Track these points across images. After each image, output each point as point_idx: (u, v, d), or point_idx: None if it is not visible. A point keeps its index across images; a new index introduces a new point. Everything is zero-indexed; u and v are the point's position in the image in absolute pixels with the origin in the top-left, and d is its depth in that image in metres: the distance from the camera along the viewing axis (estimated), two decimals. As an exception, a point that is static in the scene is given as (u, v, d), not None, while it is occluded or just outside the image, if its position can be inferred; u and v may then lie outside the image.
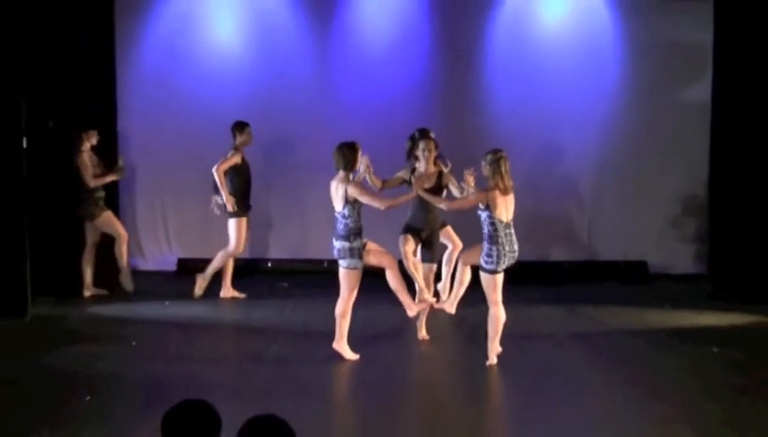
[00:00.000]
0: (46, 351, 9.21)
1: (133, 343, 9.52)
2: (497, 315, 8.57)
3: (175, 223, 13.17)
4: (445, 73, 12.82)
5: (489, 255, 8.42)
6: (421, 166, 9.55)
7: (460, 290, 9.28)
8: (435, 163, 9.58)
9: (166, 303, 11.34)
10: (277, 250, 13.14)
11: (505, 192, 8.42)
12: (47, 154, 11.45)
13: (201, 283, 11.45)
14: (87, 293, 11.56)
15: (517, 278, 12.53)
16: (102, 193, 11.57)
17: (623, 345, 9.61)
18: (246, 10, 12.90)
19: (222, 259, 11.41)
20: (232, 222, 11.24)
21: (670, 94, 12.83)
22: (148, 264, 13.07)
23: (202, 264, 11.78)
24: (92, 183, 11.37)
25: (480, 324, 8.99)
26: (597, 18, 12.85)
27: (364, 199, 8.56)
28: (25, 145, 10.41)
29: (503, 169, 8.38)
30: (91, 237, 11.58)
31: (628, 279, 12.80)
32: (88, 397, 7.69)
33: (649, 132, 12.85)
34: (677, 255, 13.05)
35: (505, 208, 8.50)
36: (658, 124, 12.84)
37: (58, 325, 10.18)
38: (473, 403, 7.91)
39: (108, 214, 11.59)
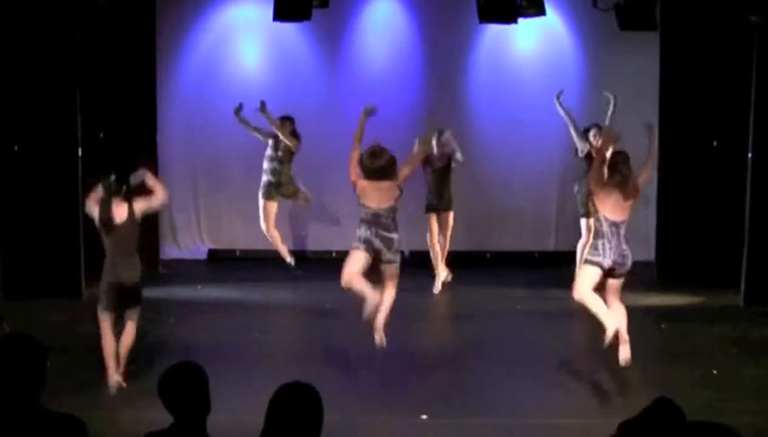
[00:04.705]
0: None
1: (171, 321, 9.66)
2: None
3: (205, 218, 13.30)
4: (434, 95, 12.96)
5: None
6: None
7: None
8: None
9: (198, 286, 11.47)
10: (293, 241, 13.28)
11: None
12: (99, 160, 11.59)
13: None
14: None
15: (493, 265, 12.73)
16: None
17: (581, 321, 9.75)
18: (268, 40, 13.04)
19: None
20: None
21: (623, 109, 12.93)
22: (182, 253, 13.20)
23: (228, 253, 11.88)
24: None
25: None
26: (562, 46, 13.00)
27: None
28: (80, 153, 10.57)
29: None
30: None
31: (589, 267, 12.89)
32: (132, 366, 7.84)
33: (605, 142, 12.98)
34: (630, 245, 13.16)
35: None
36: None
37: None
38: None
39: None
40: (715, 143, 11.99)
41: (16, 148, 10.44)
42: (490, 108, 13.02)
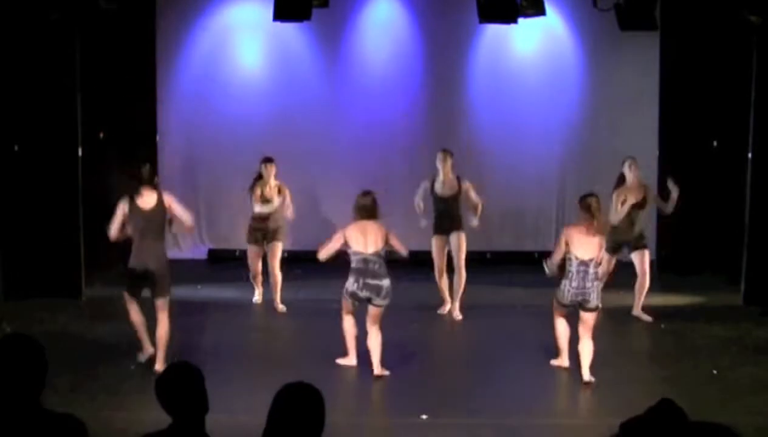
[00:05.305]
0: (98, 326, 9.35)
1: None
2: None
3: (205, 218, 13.29)
4: (434, 95, 12.97)
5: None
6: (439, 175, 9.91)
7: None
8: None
9: (198, 286, 11.46)
10: (293, 242, 13.25)
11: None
12: (99, 160, 11.58)
13: None
14: None
15: (493, 265, 12.72)
16: None
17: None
18: (268, 41, 13.06)
19: None
20: None
21: (623, 109, 12.97)
22: (182, 253, 13.17)
23: (228, 253, 11.86)
24: None
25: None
26: (562, 46, 13.00)
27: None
28: (80, 153, 10.56)
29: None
30: None
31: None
32: (132, 366, 7.84)
33: (604, 141, 12.96)
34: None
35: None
36: (612, 134, 12.96)
37: (108, 305, 10.29)
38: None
39: None
40: (715, 143, 12.01)
41: (16, 148, 10.43)
42: (490, 107, 13.02)
